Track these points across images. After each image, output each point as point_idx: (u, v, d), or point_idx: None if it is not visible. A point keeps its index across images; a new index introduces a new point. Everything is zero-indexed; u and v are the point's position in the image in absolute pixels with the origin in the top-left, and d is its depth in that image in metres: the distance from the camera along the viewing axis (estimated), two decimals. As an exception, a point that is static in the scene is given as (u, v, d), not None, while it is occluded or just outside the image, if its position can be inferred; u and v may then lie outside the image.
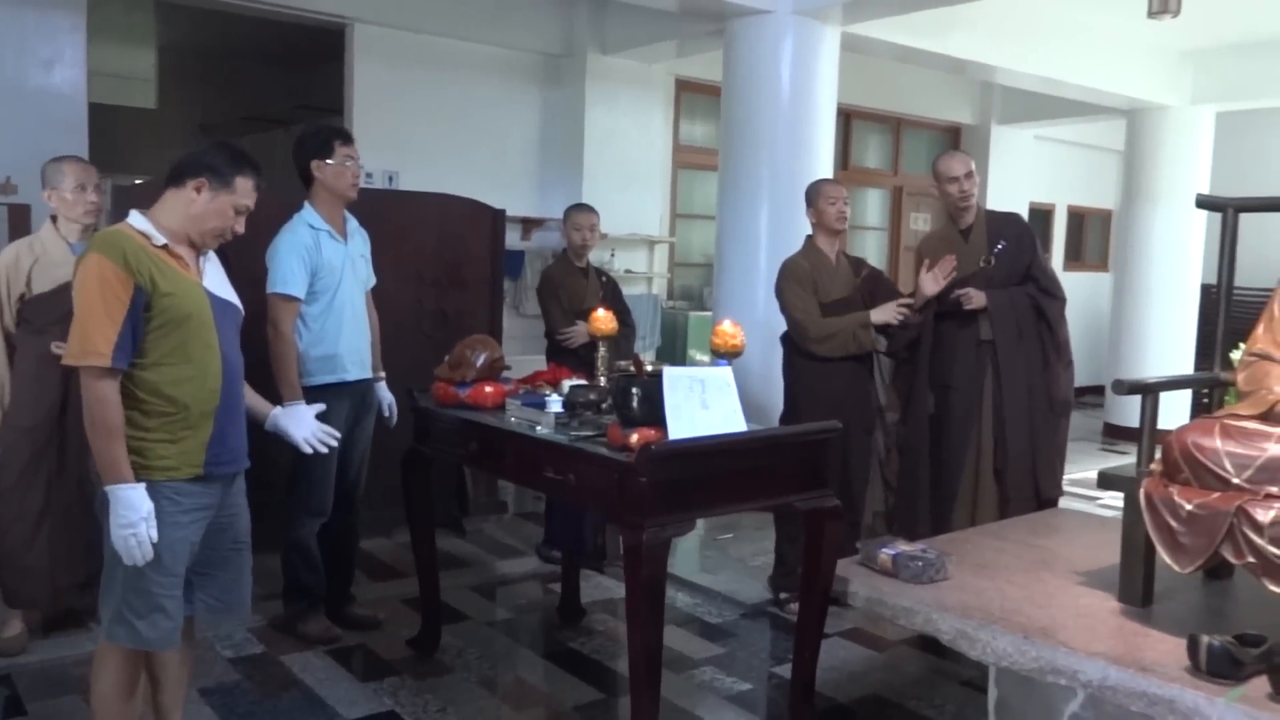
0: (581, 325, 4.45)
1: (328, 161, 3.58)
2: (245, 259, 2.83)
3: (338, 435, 2.96)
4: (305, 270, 3.52)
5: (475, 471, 5.21)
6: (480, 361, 3.41)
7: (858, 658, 3.73)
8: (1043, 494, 4.01)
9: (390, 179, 6.27)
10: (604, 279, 4.83)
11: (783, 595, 4.18)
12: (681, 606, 4.22)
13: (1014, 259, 4.06)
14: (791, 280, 4.04)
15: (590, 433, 2.87)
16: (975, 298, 3.96)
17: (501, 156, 6.86)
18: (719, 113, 5.85)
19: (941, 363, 4.08)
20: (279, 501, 3.64)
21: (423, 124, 6.48)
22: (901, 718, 3.26)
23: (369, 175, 6.06)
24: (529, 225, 6.85)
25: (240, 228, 2.52)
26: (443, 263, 5.15)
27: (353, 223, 3.75)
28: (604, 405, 3.01)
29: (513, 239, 6.58)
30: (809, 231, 4.22)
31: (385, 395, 3.88)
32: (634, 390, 2.70)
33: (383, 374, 3.88)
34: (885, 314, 3.96)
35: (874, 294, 4.13)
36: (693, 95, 7.86)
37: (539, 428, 3.01)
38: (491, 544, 5.05)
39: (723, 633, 3.96)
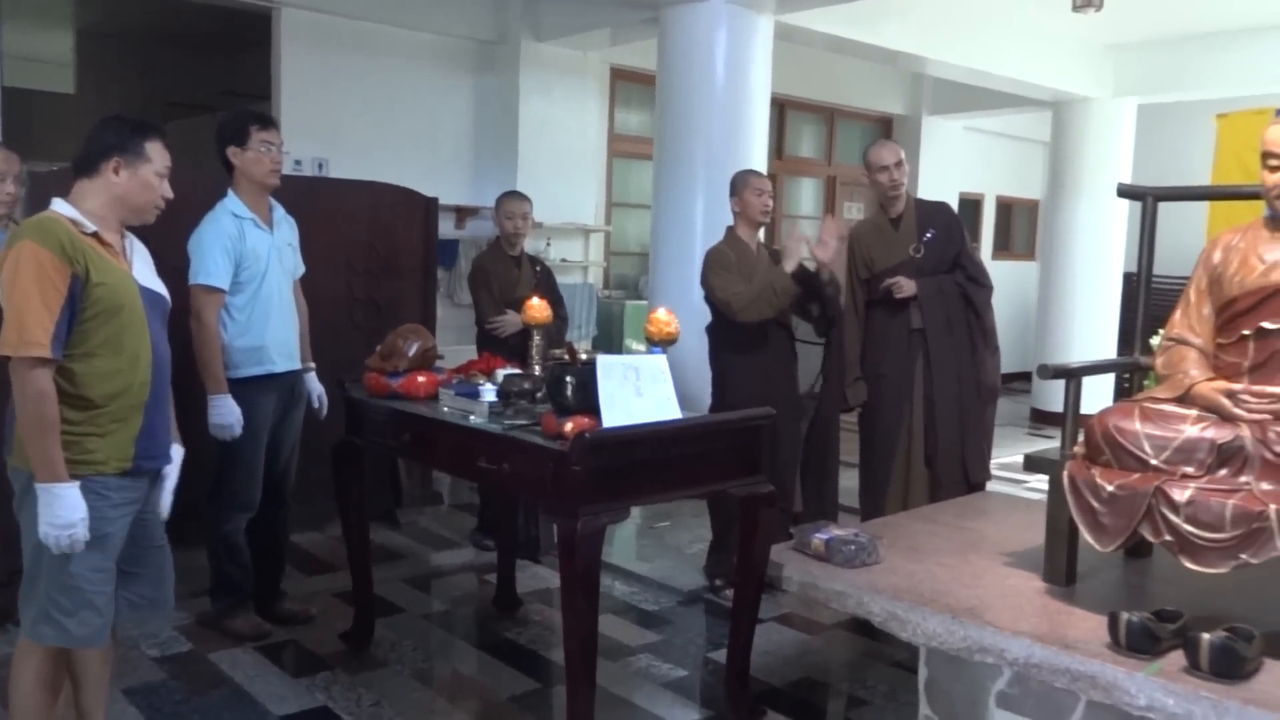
0: (512, 314, 4.44)
1: (244, 148, 3.49)
2: (166, 249, 2.75)
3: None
4: (229, 260, 3.43)
5: (409, 463, 5.15)
6: (413, 351, 3.37)
7: (792, 641, 3.77)
8: (972, 478, 4.10)
9: (320, 166, 6.16)
10: (538, 269, 4.79)
11: (718, 581, 4.21)
12: (618, 595, 4.23)
13: (943, 248, 4.13)
14: (715, 266, 4.05)
15: (524, 422, 2.86)
16: (906, 286, 4.02)
17: (434, 144, 6.77)
18: (654, 101, 5.85)
19: (873, 350, 4.15)
20: (206, 497, 3.56)
21: (353, 111, 6.37)
22: (834, 699, 3.31)
23: (298, 163, 5.95)
24: (463, 214, 6.78)
25: (168, 192, 2.47)
26: (374, 252, 5.07)
27: (279, 210, 3.67)
28: (538, 394, 3.00)
29: (446, 228, 6.51)
30: (732, 222, 4.24)
31: (315, 386, 3.81)
32: (568, 379, 2.68)
33: (312, 365, 3.81)
34: (791, 258, 3.86)
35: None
36: (628, 84, 7.84)
37: (473, 417, 2.99)
38: (426, 536, 5.00)
39: (659, 620, 3.97)
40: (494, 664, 3.55)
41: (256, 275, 3.50)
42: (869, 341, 4.17)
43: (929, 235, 4.12)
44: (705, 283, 4.05)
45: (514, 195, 4.77)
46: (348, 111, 6.35)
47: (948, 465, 4.08)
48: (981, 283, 4.15)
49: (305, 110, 6.14)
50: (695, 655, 3.65)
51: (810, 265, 3.93)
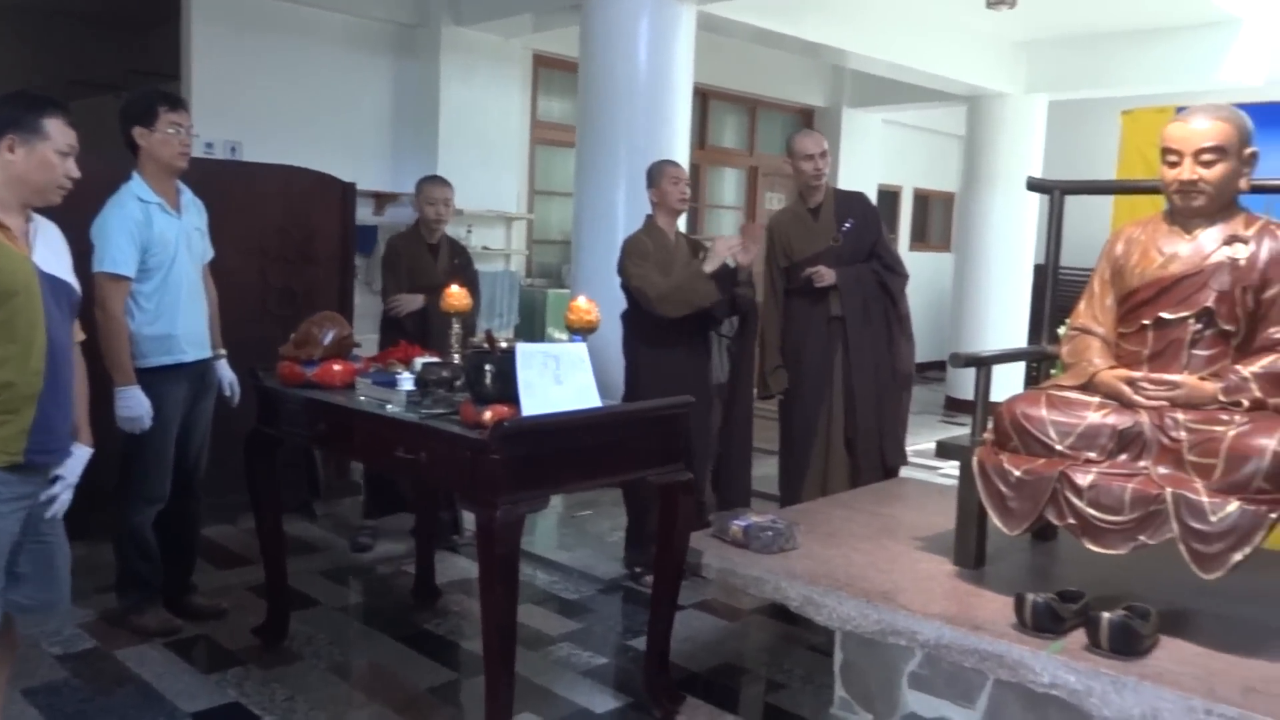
0: (409, 296, 4.40)
1: (152, 129, 3.36)
2: (67, 235, 2.63)
3: None
4: (135, 247, 3.31)
5: (325, 453, 5.06)
6: (328, 339, 3.30)
7: (711, 628, 3.80)
8: (888, 463, 4.20)
9: (233, 149, 5.99)
10: (457, 260, 4.70)
11: (637, 569, 4.22)
12: (540, 584, 4.21)
13: (860, 237, 4.21)
14: (633, 255, 4.06)
15: (442, 410, 2.82)
16: (826, 275, 4.08)
17: (352, 128, 6.64)
18: (577, 89, 5.82)
19: (793, 338, 4.21)
20: (112, 489, 3.45)
21: (267, 92, 6.21)
22: (753, 684, 3.34)
23: (209, 146, 5.79)
24: (382, 200, 6.66)
25: (73, 171, 2.37)
26: (290, 238, 4.96)
27: (187, 194, 3.55)
28: (457, 383, 2.96)
29: (365, 214, 6.40)
30: (649, 211, 4.26)
31: (226, 374, 3.71)
32: (487, 367, 2.66)
33: (223, 352, 3.71)
34: (714, 260, 3.88)
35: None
36: (551, 71, 7.79)
37: (390, 406, 2.94)
38: (343, 527, 4.91)
39: (580, 608, 3.97)
40: (412, 655, 3.50)
41: (164, 262, 3.39)
42: (789, 329, 4.23)
43: (848, 224, 4.19)
44: (622, 270, 4.06)
45: (435, 180, 4.68)
46: (262, 93, 6.18)
47: (866, 450, 4.17)
48: (897, 271, 4.24)
49: (217, 91, 5.96)
50: (615, 643, 3.66)
51: (731, 264, 3.97)
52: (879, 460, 4.19)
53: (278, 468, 3.49)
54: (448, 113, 6.77)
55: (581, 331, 2.92)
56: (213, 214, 3.71)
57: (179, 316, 3.44)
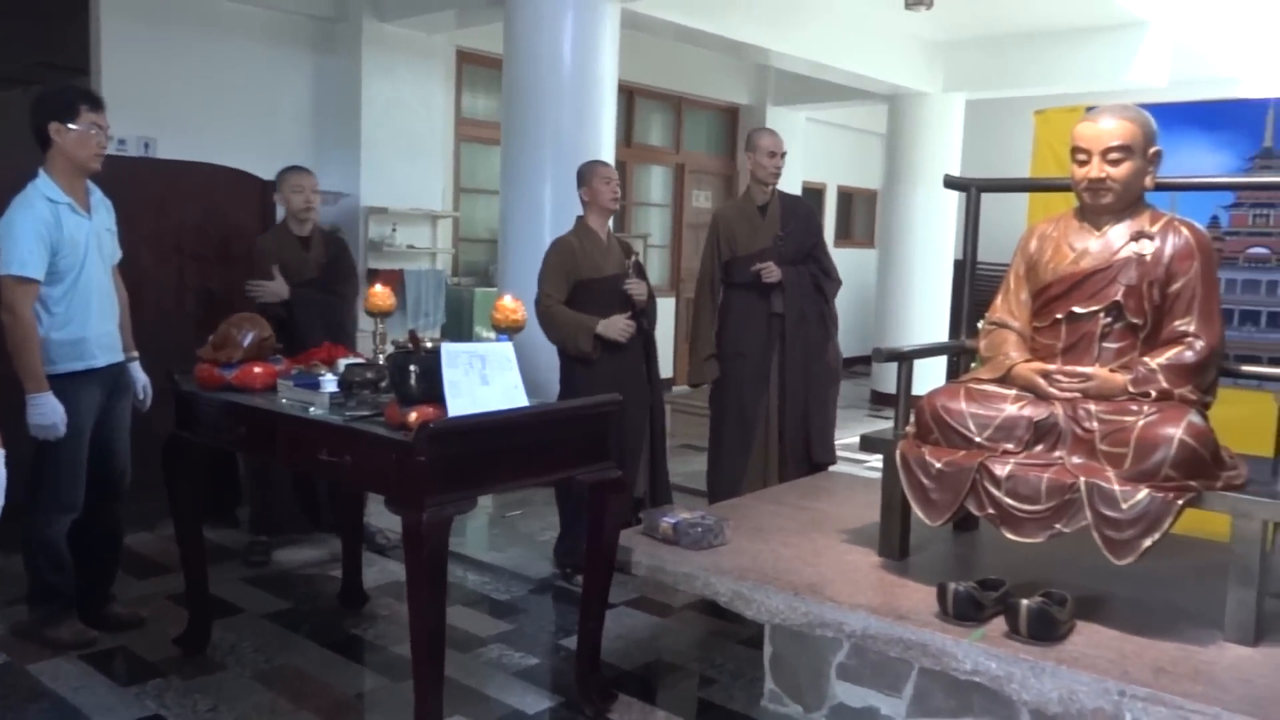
0: (270, 284, 4.26)
1: (70, 126, 3.25)
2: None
3: None
4: (44, 248, 3.18)
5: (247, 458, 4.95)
6: (247, 341, 3.23)
7: (643, 625, 3.81)
8: (814, 459, 4.28)
9: (146, 146, 5.82)
10: (331, 251, 4.51)
11: (568, 569, 4.22)
12: (470, 585, 4.18)
13: (801, 239, 4.35)
14: (553, 260, 4.12)
15: (367, 412, 2.79)
16: (774, 272, 4.19)
17: (272, 125, 6.50)
18: (501, 86, 5.78)
19: (732, 331, 4.29)
20: (22, 499, 3.32)
21: (182, 87, 6.04)
22: (684, 680, 3.36)
23: (121, 142, 5.61)
24: (304, 198, 6.53)
25: None
26: (207, 237, 4.84)
27: (96, 194, 3.45)
28: (382, 384, 2.92)
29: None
30: (580, 211, 4.27)
31: (139, 376, 3.61)
32: (411, 367, 2.63)
33: (135, 354, 3.61)
34: (613, 330, 4.02)
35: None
36: (475, 67, 7.72)
37: (313, 409, 2.89)
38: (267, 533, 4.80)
39: (511, 609, 3.95)
40: (340, 661, 3.45)
41: (75, 264, 3.28)
42: (729, 321, 4.32)
43: (792, 226, 4.32)
44: (540, 275, 4.12)
45: (297, 170, 4.48)
46: (177, 88, 6.02)
47: (793, 446, 4.28)
48: (832, 276, 4.41)
49: (129, 86, 5.78)
50: (547, 643, 3.65)
51: (622, 338, 4.07)
52: (805, 455, 4.28)
53: (197, 473, 3.41)
54: (370, 109, 6.67)
55: (508, 331, 2.90)
56: (127, 213, 3.61)
57: (90, 320, 3.34)
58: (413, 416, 2.54)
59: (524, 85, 5.50)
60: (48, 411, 3.18)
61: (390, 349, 2.99)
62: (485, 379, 2.62)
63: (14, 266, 3.14)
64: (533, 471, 2.86)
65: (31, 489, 3.34)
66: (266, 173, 5.28)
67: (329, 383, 2.95)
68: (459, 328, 7.20)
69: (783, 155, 4.33)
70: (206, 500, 3.75)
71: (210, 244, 4.85)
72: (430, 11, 6.40)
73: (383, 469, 2.61)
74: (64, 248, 3.24)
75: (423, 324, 6.80)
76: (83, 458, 3.36)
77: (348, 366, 3.00)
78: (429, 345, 2.69)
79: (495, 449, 2.66)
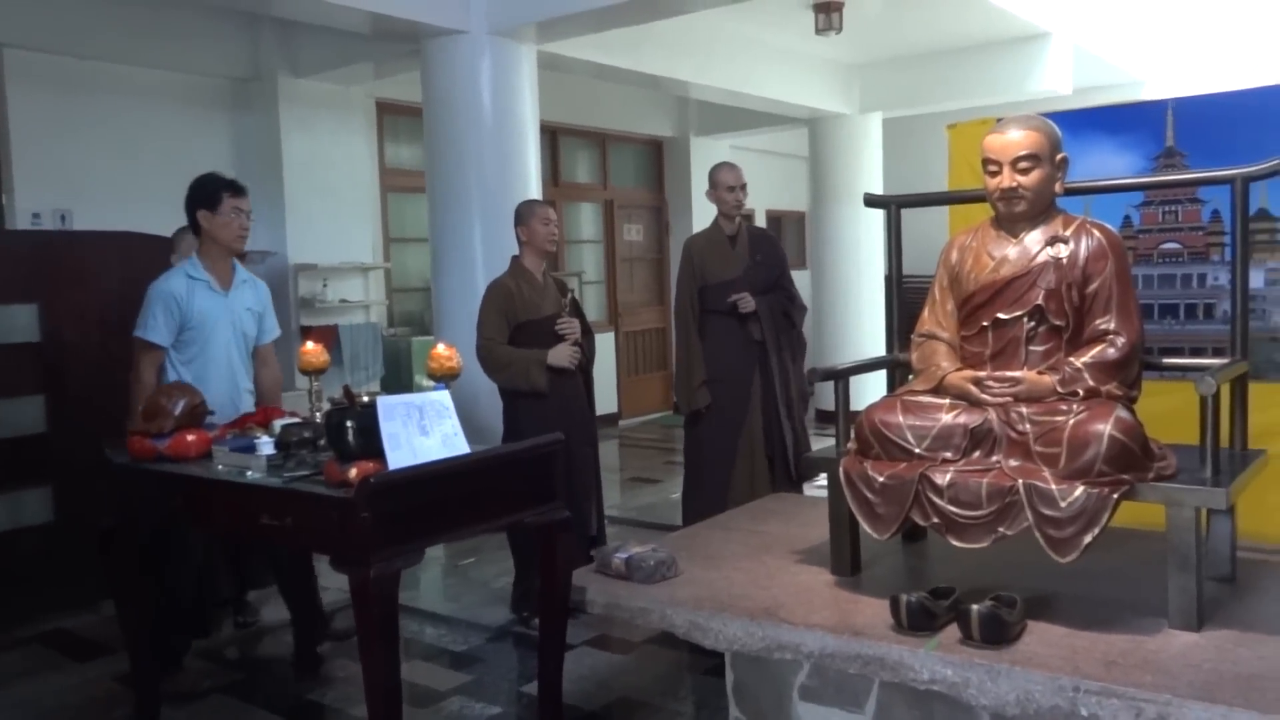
0: None
1: (215, 212, 3.61)
2: None
3: None
4: (171, 319, 3.57)
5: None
6: (179, 409, 3.16)
7: (603, 664, 3.78)
8: (796, 476, 4.40)
9: (62, 218, 5.70)
10: None
11: (525, 613, 4.17)
12: (428, 639, 4.12)
13: (769, 269, 4.48)
14: (490, 303, 4.13)
15: (306, 472, 2.74)
16: (749, 302, 4.29)
17: (191, 188, 6.41)
18: (423, 134, 5.78)
19: (712, 357, 4.33)
20: None
21: (96, 157, 5.95)
22: (649, 716, 3.33)
23: (36, 216, 5.51)
24: (230, 260, 6.44)
25: None
26: (130, 306, 4.70)
27: (243, 274, 3.79)
28: (319, 442, 2.88)
29: (212, 275, 6.17)
30: (516, 251, 4.28)
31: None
32: (348, 423, 2.59)
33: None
34: (561, 358, 4.07)
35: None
36: (395, 117, 7.71)
37: (250, 473, 2.84)
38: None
39: (470, 659, 3.89)
40: (297, 729, 3.37)
41: (202, 336, 3.62)
42: (704, 347, 4.36)
43: (760, 256, 4.44)
44: (479, 315, 4.12)
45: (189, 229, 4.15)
46: (91, 158, 5.92)
47: (782, 466, 4.37)
48: (799, 303, 4.57)
49: (41, 157, 5.68)
50: (509, 691, 3.60)
51: (571, 364, 4.13)
52: (789, 474, 4.39)
53: (134, 549, 3.32)
54: (291, 166, 6.62)
55: (444, 378, 2.88)
56: (45, 288, 3.55)
57: (209, 388, 3.50)
58: (353, 473, 2.51)
59: (446, 132, 5.51)
60: None
61: (326, 406, 2.95)
62: (424, 429, 2.60)
63: (140, 329, 3.58)
64: (479, 518, 2.83)
65: None
66: (189, 237, 5.20)
67: (265, 445, 2.90)
68: (398, 378, 7.13)
69: (743, 187, 4.41)
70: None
71: (133, 314, 4.73)
72: (346, 65, 6.40)
73: (325, 528, 2.57)
74: (193, 320, 3.60)
75: (361, 377, 6.73)
76: None
77: (284, 427, 2.95)
78: (365, 400, 2.65)
79: (439, 499, 2.63)
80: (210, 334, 3.64)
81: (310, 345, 3.32)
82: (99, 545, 3.25)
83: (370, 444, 2.54)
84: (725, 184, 4.39)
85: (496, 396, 4.31)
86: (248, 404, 3.70)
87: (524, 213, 4.23)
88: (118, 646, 3.76)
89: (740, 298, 4.29)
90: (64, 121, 5.82)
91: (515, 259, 4.25)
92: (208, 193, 3.63)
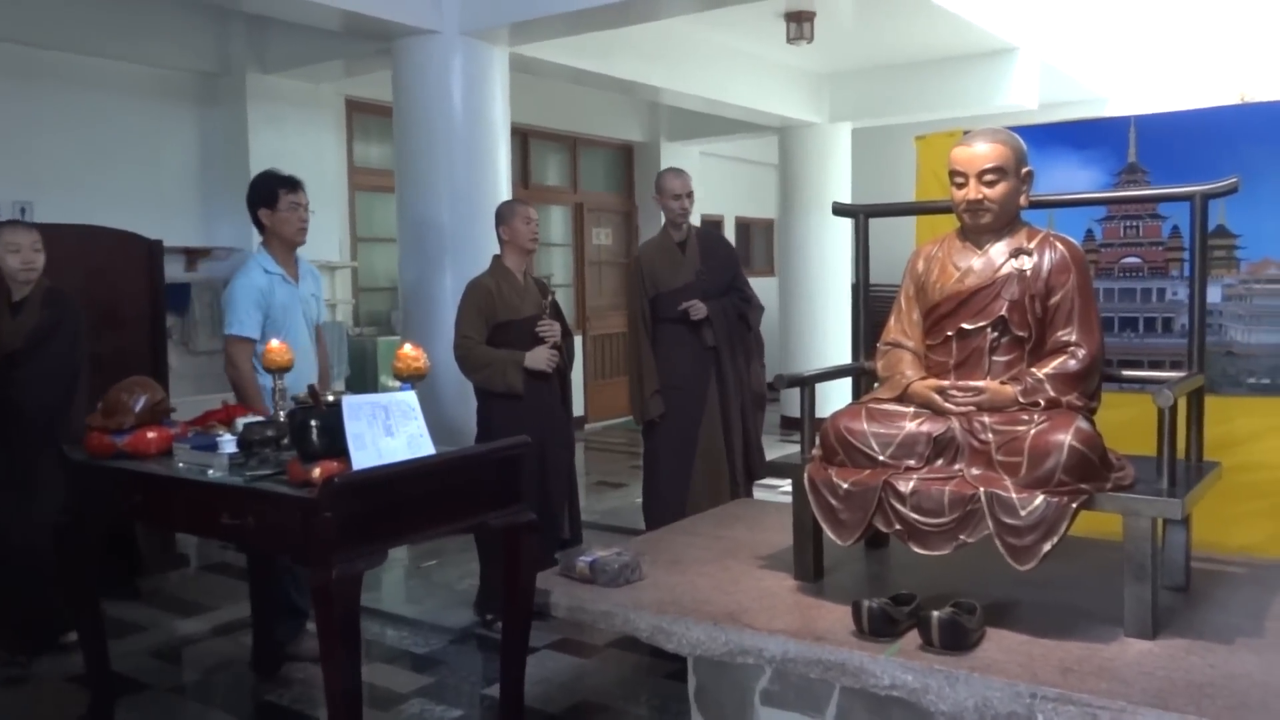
0: None
1: (275, 209, 3.74)
2: None
3: None
4: (259, 312, 3.68)
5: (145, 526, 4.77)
6: (139, 406, 3.12)
7: (566, 667, 3.77)
8: (754, 476, 4.45)
9: (22, 211, 5.61)
10: (48, 312, 3.94)
11: (488, 616, 4.16)
12: (389, 641, 4.09)
13: (721, 272, 4.46)
14: (469, 302, 4.10)
15: (269, 471, 2.71)
16: (700, 309, 4.28)
17: (156, 183, 6.34)
18: (393, 134, 5.75)
19: (667, 365, 4.33)
20: None
21: (59, 149, 5.86)
22: (610, 719, 3.33)
23: (-6, 207, 5.41)
24: (194, 256, 6.37)
25: None
26: (92, 301, 4.66)
27: (304, 264, 3.93)
28: (283, 441, 2.85)
29: (176, 271, 6.12)
30: (497, 250, 4.26)
31: None
32: (312, 423, 2.57)
33: None
34: (539, 360, 4.05)
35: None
36: (365, 116, 7.67)
37: (211, 471, 2.80)
38: (171, 603, 4.63)
39: (431, 662, 3.87)
40: (254, 732, 3.33)
41: (281, 328, 3.70)
42: (659, 355, 4.37)
43: (711, 261, 4.42)
44: (457, 315, 4.10)
45: (14, 225, 4.03)
46: (53, 149, 5.83)
47: (741, 470, 4.40)
48: (754, 303, 4.54)
49: (1, 148, 5.58)
50: (470, 694, 3.58)
51: (549, 368, 4.11)
52: (747, 474, 4.41)
53: (91, 546, 3.27)
54: (258, 162, 6.50)
55: (410, 379, 2.87)
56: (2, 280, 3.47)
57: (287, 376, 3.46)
58: (316, 472, 2.49)
59: (416, 132, 5.49)
60: None
61: (290, 405, 2.93)
62: (389, 429, 2.58)
63: (234, 327, 3.67)
64: (443, 519, 2.82)
65: None
66: (153, 231, 5.15)
67: (227, 443, 2.88)
68: (363, 378, 7.08)
69: (689, 195, 4.39)
70: (104, 573, 3.58)
71: (95, 308, 4.68)
72: (316, 62, 6.35)
73: (288, 528, 2.55)
74: (275, 312, 3.72)
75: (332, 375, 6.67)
76: None
77: (246, 425, 2.92)
78: (330, 399, 2.63)
79: (403, 500, 2.61)
80: (290, 325, 3.76)
81: (275, 343, 3.29)
82: (54, 541, 3.19)
83: (334, 444, 2.52)
84: (671, 191, 4.37)
85: (465, 397, 4.30)
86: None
87: (505, 212, 4.22)
88: (71, 645, 3.70)
89: (690, 305, 4.28)
90: (25, 112, 5.73)
91: (496, 258, 4.23)
92: (266, 191, 3.77)
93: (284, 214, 3.76)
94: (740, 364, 4.42)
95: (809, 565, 2.81)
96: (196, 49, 6.44)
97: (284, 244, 3.81)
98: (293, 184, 3.80)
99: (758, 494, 4.87)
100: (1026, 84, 8.13)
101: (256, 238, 3.90)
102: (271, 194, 3.76)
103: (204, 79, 6.60)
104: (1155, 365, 3.41)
